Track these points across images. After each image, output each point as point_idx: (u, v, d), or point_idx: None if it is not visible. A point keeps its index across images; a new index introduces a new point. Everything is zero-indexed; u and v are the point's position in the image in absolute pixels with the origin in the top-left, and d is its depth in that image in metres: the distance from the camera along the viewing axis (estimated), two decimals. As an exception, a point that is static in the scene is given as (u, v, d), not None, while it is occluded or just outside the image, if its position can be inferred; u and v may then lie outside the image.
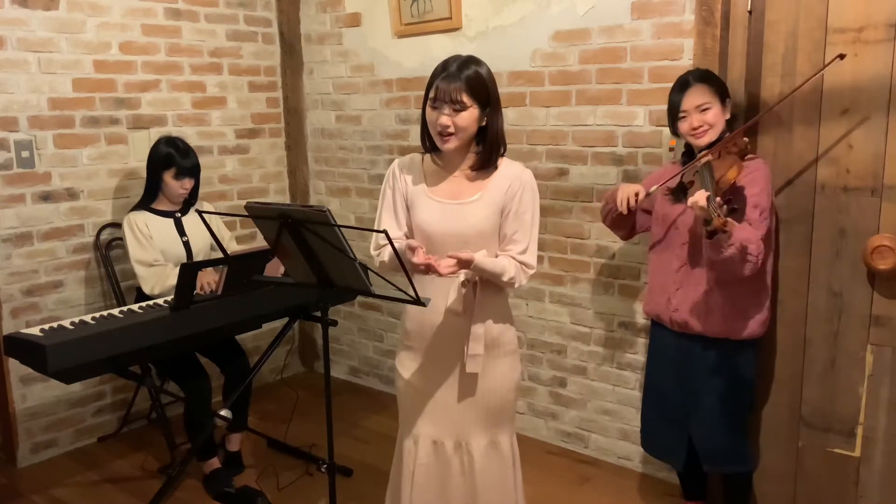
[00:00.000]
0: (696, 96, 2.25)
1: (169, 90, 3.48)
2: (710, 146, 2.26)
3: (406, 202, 2.04)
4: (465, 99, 1.86)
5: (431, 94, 1.90)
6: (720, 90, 2.28)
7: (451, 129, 1.88)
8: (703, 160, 2.22)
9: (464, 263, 1.85)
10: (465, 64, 1.89)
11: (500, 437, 2.09)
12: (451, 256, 1.82)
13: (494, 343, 2.04)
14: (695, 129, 2.26)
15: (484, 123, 1.93)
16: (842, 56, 2.21)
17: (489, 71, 1.93)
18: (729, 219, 2.00)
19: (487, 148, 1.95)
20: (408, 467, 2.10)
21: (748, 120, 2.46)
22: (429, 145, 2.01)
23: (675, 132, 2.36)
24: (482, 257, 1.90)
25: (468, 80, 1.86)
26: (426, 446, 2.08)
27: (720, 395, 2.32)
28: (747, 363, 2.34)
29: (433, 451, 2.08)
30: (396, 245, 1.78)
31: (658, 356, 2.48)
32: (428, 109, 1.92)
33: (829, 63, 2.23)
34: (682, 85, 2.28)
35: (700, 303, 2.28)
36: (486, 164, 1.97)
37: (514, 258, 1.97)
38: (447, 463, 2.08)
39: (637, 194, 2.29)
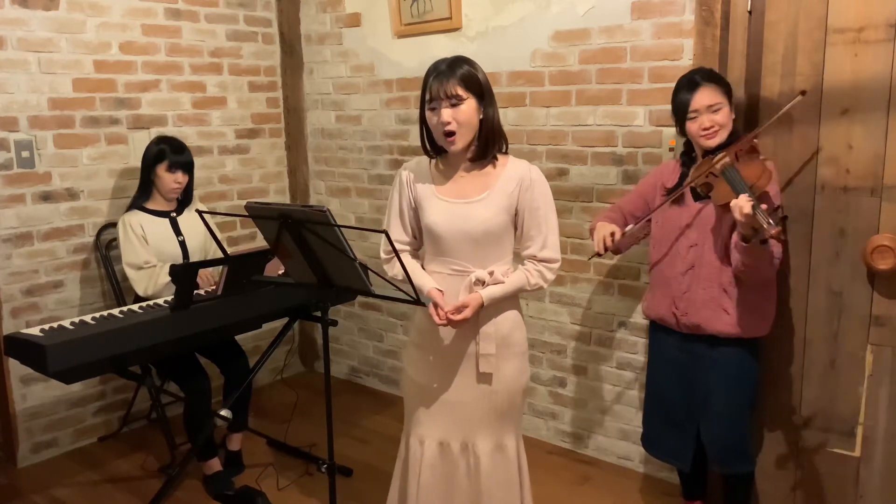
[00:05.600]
0: (706, 96, 2.19)
1: (169, 90, 3.48)
2: (720, 148, 2.21)
3: (414, 206, 2.06)
4: (461, 92, 1.89)
5: (427, 97, 1.93)
6: (727, 91, 2.24)
7: (453, 126, 1.90)
8: (721, 162, 2.15)
9: (475, 308, 1.93)
10: (455, 62, 1.94)
11: (506, 440, 2.09)
12: (458, 310, 1.91)
13: (504, 343, 2.04)
14: (706, 129, 2.20)
15: (482, 116, 1.96)
16: (803, 93, 2.24)
17: (478, 65, 1.98)
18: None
19: (483, 137, 1.97)
20: (414, 468, 2.09)
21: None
22: (432, 150, 2.03)
23: (682, 133, 2.31)
24: (489, 291, 1.97)
25: (460, 74, 1.90)
26: (432, 447, 2.08)
27: (731, 396, 2.30)
28: (755, 362, 2.33)
29: (439, 452, 2.08)
30: (419, 285, 1.96)
31: (659, 360, 2.47)
32: (427, 114, 1.95)
33: (793, 102, 2.23)
34: (691, 84, 2.22)
35: (711, 304, 2.24)
36: (483, 153, 1.99)
37: (534, 258, 2.03)
38: (453, 465, 2.08)
39: (612, 234, 2.37)
